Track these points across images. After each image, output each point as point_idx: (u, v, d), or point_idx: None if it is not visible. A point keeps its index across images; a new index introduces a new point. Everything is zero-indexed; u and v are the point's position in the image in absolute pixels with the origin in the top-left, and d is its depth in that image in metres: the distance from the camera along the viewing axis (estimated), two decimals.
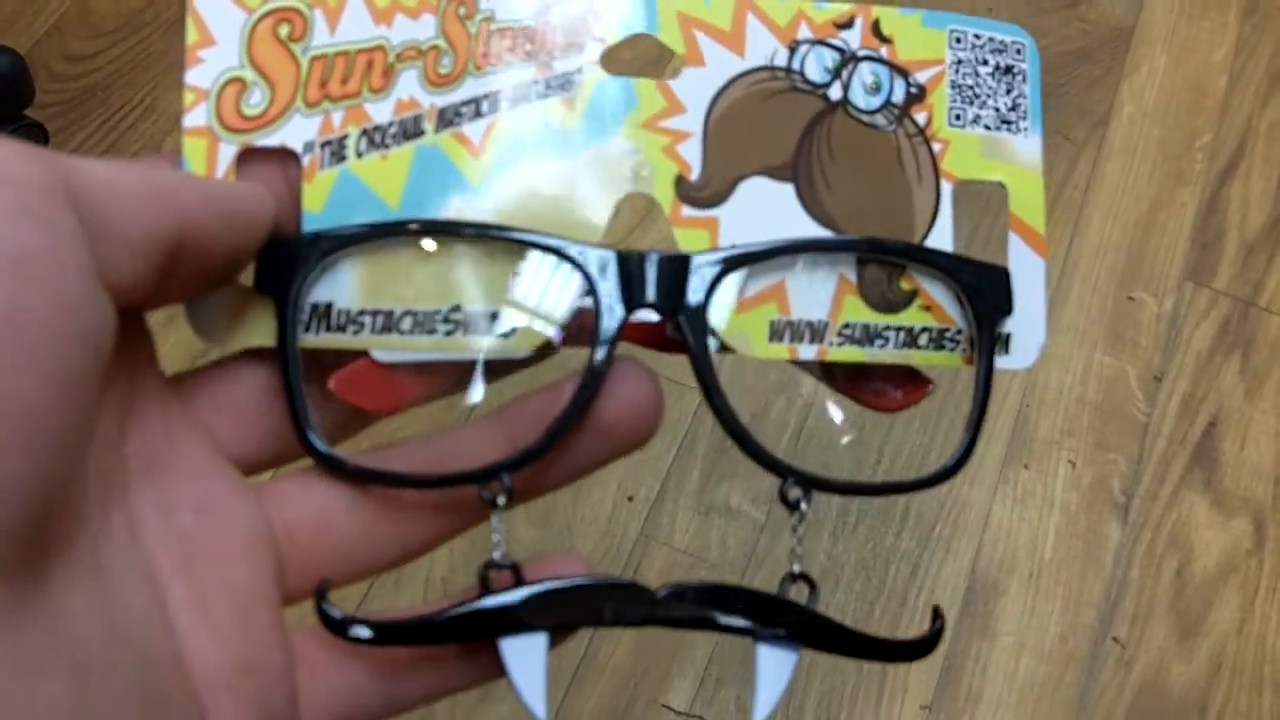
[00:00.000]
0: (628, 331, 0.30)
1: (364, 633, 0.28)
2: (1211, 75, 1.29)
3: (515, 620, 0.28)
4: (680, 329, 0.29)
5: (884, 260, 0.32)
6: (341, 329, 0.29)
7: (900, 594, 1.00)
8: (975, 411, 0.31)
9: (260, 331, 0.29)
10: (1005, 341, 0.32)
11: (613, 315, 0.29)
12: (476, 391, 0.30)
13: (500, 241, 0.30)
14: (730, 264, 0.30)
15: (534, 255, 0.29)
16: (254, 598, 0.27)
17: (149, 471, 0.27)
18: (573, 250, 0.29)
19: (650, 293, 0.29)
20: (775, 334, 0.31)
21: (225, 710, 0.26)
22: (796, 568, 0.31)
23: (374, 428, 0.31)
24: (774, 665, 0.30)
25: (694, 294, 0.29)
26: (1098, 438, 1.08)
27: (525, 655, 0.28)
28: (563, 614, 0.29)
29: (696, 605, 0.29)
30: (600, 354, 0.29)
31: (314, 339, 0.29)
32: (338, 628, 0.28)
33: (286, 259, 0.28)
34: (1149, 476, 1.07)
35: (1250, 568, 1.04)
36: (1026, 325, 0.32)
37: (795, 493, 0.30)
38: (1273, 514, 1.06)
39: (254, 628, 0.27)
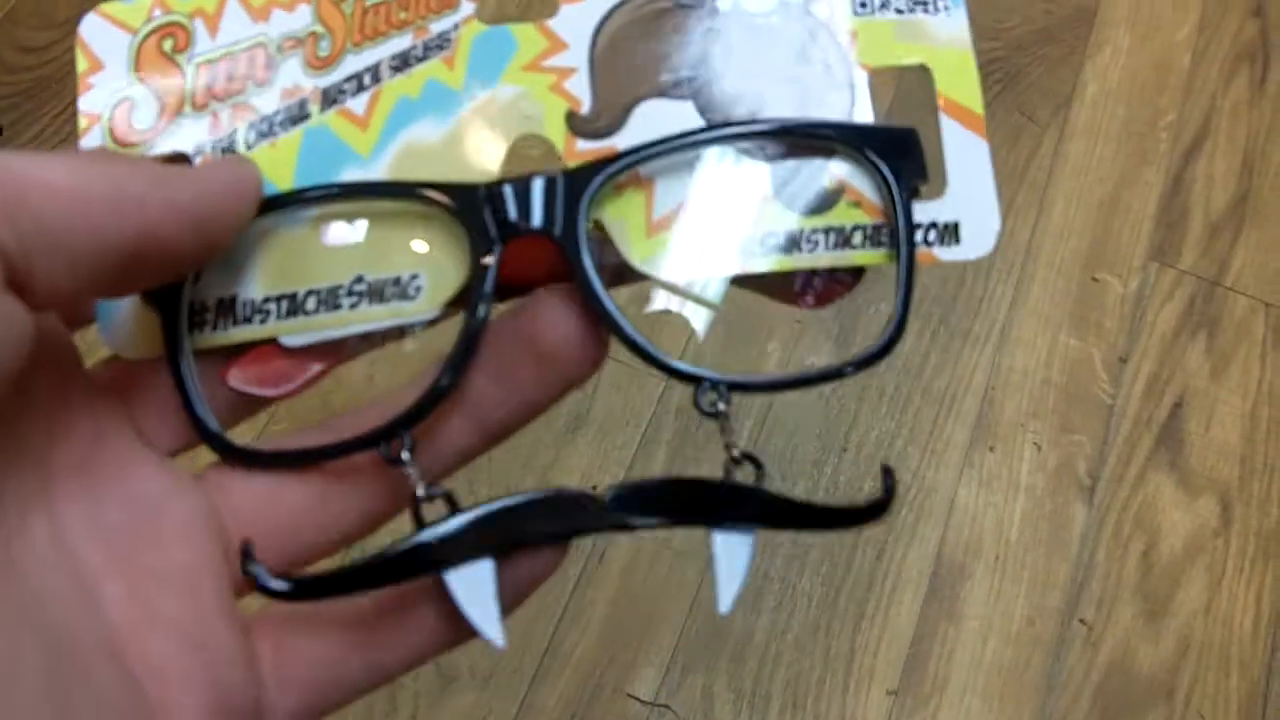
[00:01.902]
0: (531, 277, 0.29)
1: (284, 586, 0.27)
2: (1175, 54, 1.29)
3: (452, 550, 0.28)
4: (563, 247, 0.28)
5: (761, 141, 0.30)
6: (248, 320, 0.29)
7: (866, 578, 0.99)
8: (902, 287, 0.30)
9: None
10: (954, 230, 0.31)
11: (487, 251, 0.28)
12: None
13: (366, 199, 0.29)
14: (598, 169, 0.29)
15: (421, 211, 0.29)
16: (197, 577, 0.27)
17: (77, 472, 0.26)
18: (432, 191, 0.29)
19: (533, 217, 0.28)
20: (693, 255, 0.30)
21: (174, 694, 0.26)
22: (736, 452, 0.30)
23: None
24: (731, 552, 0.29)
25: (566, 209, 0.28)
26: (1063, 420, 1.08)
27: (473, 585, 0.28)
28: (502, 535, 0.28)
29: (642, 507, 0.29)
30: (479, 295, 0.28)
31: (222, 335, 0.29)
32: (260, 583, 0.27)
33: None
34: (1114, 458, 1.07)
35: (1217, 548, 1.04)
36: (976, 210, 0.31)
37: (710, 397, 0.29)
38: (1239, 494, 1.06)
39: (200, 605, 0.27)
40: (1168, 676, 0.98)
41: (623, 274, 0.30)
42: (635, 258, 0.30)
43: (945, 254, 0.31)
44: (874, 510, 0.30)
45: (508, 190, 0.28)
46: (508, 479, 1.00)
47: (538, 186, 0.28)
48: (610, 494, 0.28)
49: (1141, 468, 1.07)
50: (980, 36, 1.36)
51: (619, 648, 0.95)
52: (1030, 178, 1.20)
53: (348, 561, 0.28)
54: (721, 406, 0.29)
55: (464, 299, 0.29)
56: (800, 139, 0.30)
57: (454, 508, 0.28)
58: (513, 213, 0.28)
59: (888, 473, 0.30)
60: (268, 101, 0.30)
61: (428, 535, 0.28)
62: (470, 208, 0.28)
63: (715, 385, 0.29)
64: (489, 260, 0.28)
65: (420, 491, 0.28)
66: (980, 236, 0.31)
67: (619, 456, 1.02)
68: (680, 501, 0.29)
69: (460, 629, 0.29)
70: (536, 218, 0.28)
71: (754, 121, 0.30)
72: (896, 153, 0.30)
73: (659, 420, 1.03)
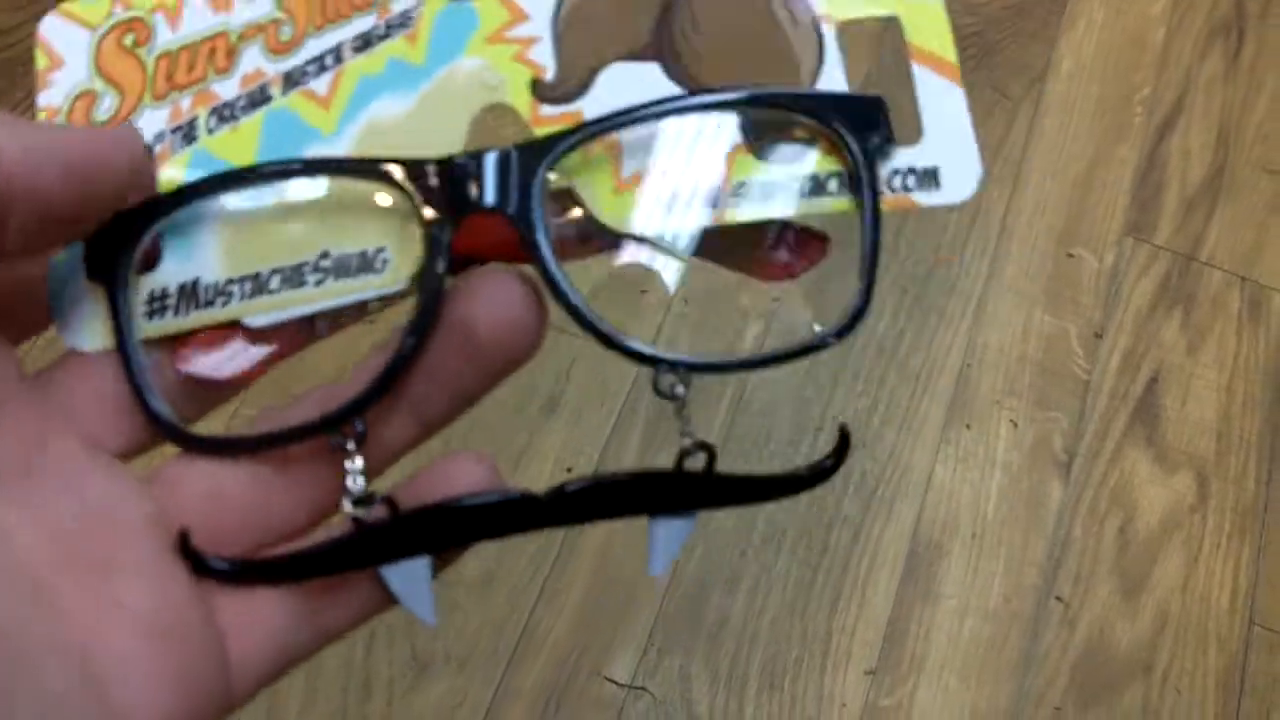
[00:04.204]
0: (491, 250, 0.29)
1: (224, 567, 0.27)
2: (1150, 28, 1.28)
3: (390, 551, 0.28)
4: (516, 224, 0.28)
5: (732, 111, 0.30)
6: (211, 304, 0.29)
7: (843, 558, 0.99)
8: (867, 257, 0.29)
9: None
10: (934, 175, 0.30)
11: (441, 228, 0.28)
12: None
13: (319, 175, 0.29)
14: (553, 144, 0.28)
15: (378, 183, 0.29)
16: (156, 568, 0.27)
17: (20, 477, 0.26)
18: (387, 167, 0.28)
19: (487, 193, 0.28)
20: (664, 208, 0.30)
21: (141, 688, 0.25)
22: (688, 441, 0.29)
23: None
24: (670, 532, 0.29)
25: (520, 184, 0.28)
26: (1039, 396, 1.08)
27: (409, 576, 0.28)
28: (439, 539, 0.28)
29: (583, 502, 0.28)
30: (432, 274, 0.28)
31: (184, 320, 0.29)
32: (199, 565, 0.27)
33: (104, 243, 0.28)
34: (1091, 434, 1.07)
35: (1193, 524, 1.04)
36: (954, 156, 0.30)
37: (669, 379, 0.29)
38: (1215, 469, 1.06)
39: (164, 594, 0.26)
40: (1145, 653, 0.98)
41: (590, 237, 0.29)
42: (605, 215, 0.29)
43: (926, 199, 0.30)
44: (822, 474, 0.31)
45: (460, 165, 0.28)
46: None
47: (491, 161, 0.28)
48: (550, 494, 0.28)
49: (1118, 443, 1.07)
50: (956, 11, 1.36)
51: (595, 630, 0.95)
52: (1005, 153, 1.19)
53: (290, 550, 0.28)
54: (680, 390, 0.29)
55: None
56: (765, 108, 0.30)
57: (395, 511, 0.28)
58: (466, 189, 0.28)
59: (844, 434, 0.31)
60: (229, 88, 0.30)
61: (369, 534, 0.28)
62: (423, 184, 0.28)
63: (674, 367, 0.29)
64: (441, 239, 0.28)
65: (356, 491, 0.28)
66: (961, 181, 0.30)
67: (594, 437, 1.01)
68: (623, 497, 0.29)
69: (386, 599, 0.29)
70: (490, 195, 0.28)
71: (714, 91, 0.30)
72: (863, 122, 0.29)
73: (634, 399, 1.03)
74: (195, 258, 0.29)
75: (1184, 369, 1.10)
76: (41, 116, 0.30)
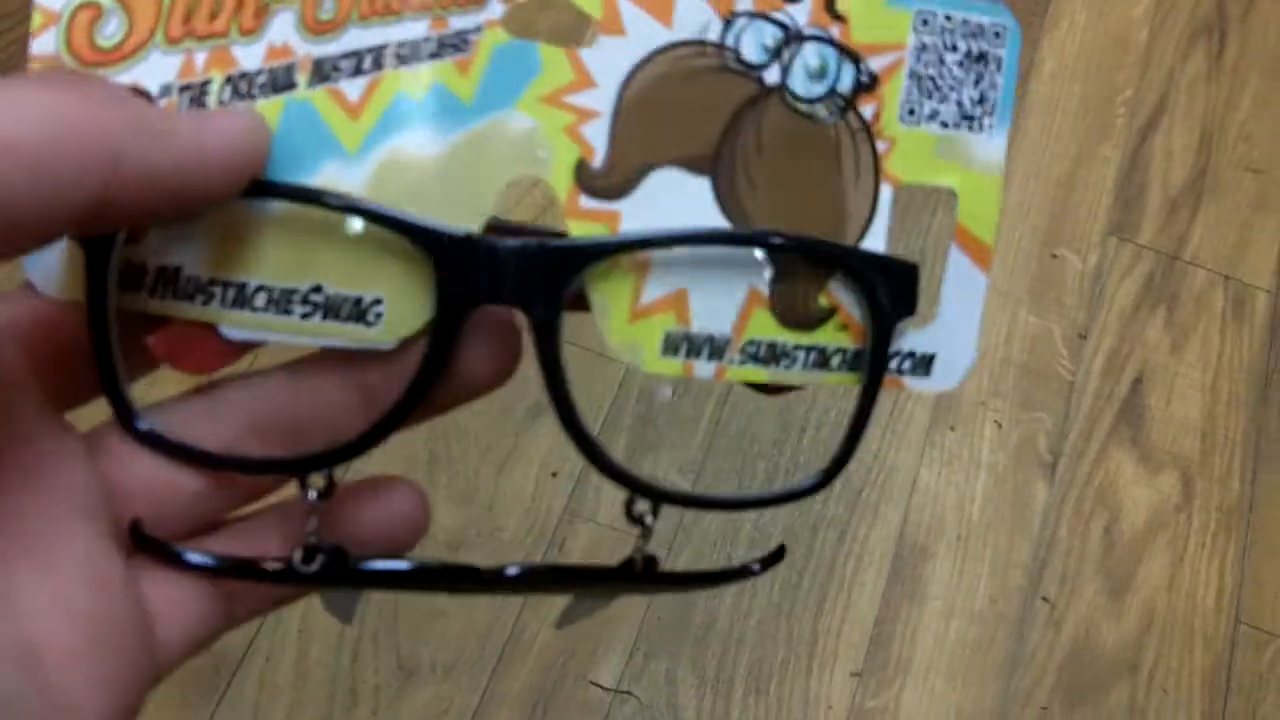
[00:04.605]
0: None
1: (203, 561, 0.27)
2: (1132, 29, 1.29)
3: (339, 583, 0.28)
4: (535, 327, 0.27)
5: (768, 253, 0.29)
6: (190, 297, 0.27)
7: (828, 561, 0.99)
8: (855, 423, 0.29)
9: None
10: (928, 363, 0.30)
11: (455, 308, 0.26)
12: None
13: (344, 213, 0.27)
14: (590, 255, 0.27)
15: (394, 233, 0.27)
16: (96, 554, 0.26)
17: None
18: (413, 228, 0.26)
19: (502, 283, 0.26)
20: (670, 347, 0.28)
21: (84, 693, 0.25)
22: (640, 556, 0.29)
23: None
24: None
25: (547, 288, 0.26)
26: (1024, 397, 1.08)
27: (342, 597, 0.30)
28: (389, 585, 0.28)
29: (530, 585, 0.29)
30: (437, 353, 0.27)
31: (158, 304, 0.27)
32: (168, 557, 0.27)
33: None
34: (1075, 434, 1.07)
35: (1179, 523, 1.04)
36: (954, 346, 0.30)
37: (642, 506, 0.28)
38: (1200, 468, 1.06)
39: (109, 594, 0.26)
40: (1131, 652, 0.99)
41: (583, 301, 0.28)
42: (612, 338, 0.28)
43: (913, 383, 0.30)
44: (740, 573, 0.31)
45: (488, 250, 0.26)
46: (468, 469, 0.99)
47: (522, 255, 0.26)
48: (510, 571, 0.28)
49: (1102, 444, 1.07)
50: None
51: (581, 635, 0.95)
52: None
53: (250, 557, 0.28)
54: (649, 520, 0.29)
55: (422, 336, 0.27)
56: (803, 255, 0.29)
57: (345, 561, 0.28)
58: (489, 276, 0.26)
59: (779, 551, 0.31)
60: (251, 56, 0.27)
61: (321, 571, 0.28)
62: (446, 257, 0.26)
63: (648, 495, 0.29)
64: (452, 321, 0.27)
65: (308, 543, 0.28)
66: (950, 371, 0.30)
67: None
68: (559, 583, 0.30)
69: (302, 592, 0.30)
70: (515, 290, 0.26)
71: (760, 232, 0.29)
72: (890, 287, 0.29)
73: (619, 406, 1.03)
74: (183, 245, 0.27)
75: (1168, 368, 1.10)
76: (36, 19, 0.26)
